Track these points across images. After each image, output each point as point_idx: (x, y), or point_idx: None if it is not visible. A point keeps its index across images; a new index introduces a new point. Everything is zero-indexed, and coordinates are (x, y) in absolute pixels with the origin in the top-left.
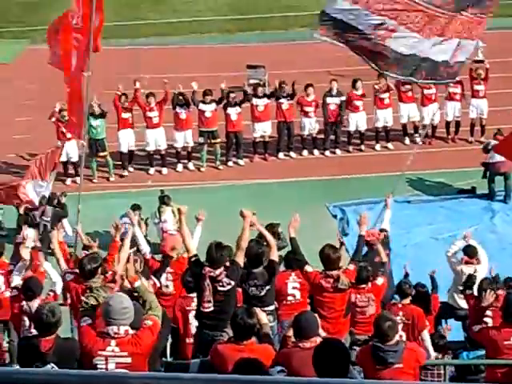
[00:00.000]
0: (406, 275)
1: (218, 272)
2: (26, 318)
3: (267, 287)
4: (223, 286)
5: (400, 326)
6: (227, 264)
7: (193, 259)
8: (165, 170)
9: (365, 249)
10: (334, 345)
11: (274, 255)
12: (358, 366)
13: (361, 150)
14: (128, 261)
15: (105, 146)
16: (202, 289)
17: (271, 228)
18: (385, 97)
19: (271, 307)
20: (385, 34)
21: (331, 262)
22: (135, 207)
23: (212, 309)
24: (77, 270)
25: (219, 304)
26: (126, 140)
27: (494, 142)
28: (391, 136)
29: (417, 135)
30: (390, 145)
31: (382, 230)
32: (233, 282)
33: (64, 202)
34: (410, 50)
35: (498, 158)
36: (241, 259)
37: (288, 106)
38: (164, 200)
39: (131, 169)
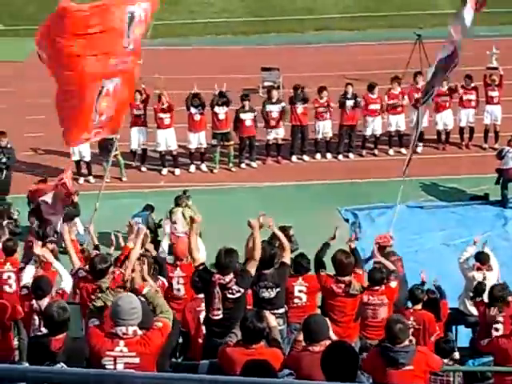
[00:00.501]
0: (423, 282)
1: (227, 279)
2: (35, 317)
3: (277, 289)
4: (233, 293)
5: (410, 331)
6: (237, 271)
7: (200, 267)
8: (177, 171)
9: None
10: (342, 348)
11: (287, 258)
12: (366, 372)
13: (374, 155)
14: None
15: (116, 146)
16: (211, 296)
17: (283, 231)
18: (397, 103)
19: (281, 310)
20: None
21: (343, 267)
22: (148, 207)
23: (221, 316)
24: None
25: (228, 311)
26: (137, 137)
27: (508, 149)
28: (404, 141)
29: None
30: (403, 150)
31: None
32: (242, 290)
33: (76, 201)
34: None
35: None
36: (253, 269)
37: (303, 109)
38: (177, 200)
39: (144, 169)
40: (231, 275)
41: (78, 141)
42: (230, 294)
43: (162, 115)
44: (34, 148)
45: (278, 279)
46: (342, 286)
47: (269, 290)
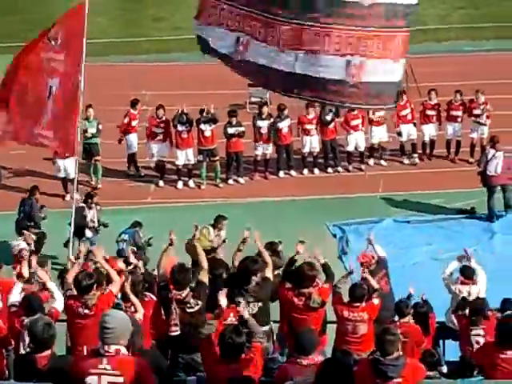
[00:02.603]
0: (410, 296)
1: (184, 294)
2: (26, 333)
3: (259, 304)
4: (191, 307)
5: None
6: (193, 285)
7: (161, 284)
8: (161, 183)
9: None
10: (338, 363)
11: (269, 273)
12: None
13: (361, 170)
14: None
15: (98, 151)
16: (169, 312)
17: (271, 246)
18: (380, 115)
19: (265, 327)
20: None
21: (305, 278)
22: (136, 224)
23: (179, 332)
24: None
25: (189, 325)
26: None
27: (493, 152)
28: (388, 155)
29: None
30: (382, 161)
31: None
32: (201, 302)
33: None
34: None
35: (493, 171)
36: (205, 278)
37: (287, 129)
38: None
39: (133, 184)
40: (187, 290)
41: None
42: (188, 308)
43: (155, 130)
44: (17, 165)
45: (259, 294)
46: (303, 298)
47: (250, 305)
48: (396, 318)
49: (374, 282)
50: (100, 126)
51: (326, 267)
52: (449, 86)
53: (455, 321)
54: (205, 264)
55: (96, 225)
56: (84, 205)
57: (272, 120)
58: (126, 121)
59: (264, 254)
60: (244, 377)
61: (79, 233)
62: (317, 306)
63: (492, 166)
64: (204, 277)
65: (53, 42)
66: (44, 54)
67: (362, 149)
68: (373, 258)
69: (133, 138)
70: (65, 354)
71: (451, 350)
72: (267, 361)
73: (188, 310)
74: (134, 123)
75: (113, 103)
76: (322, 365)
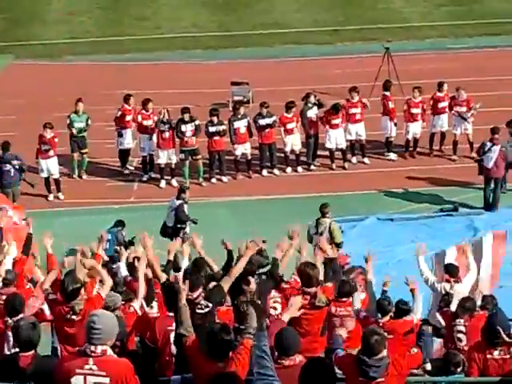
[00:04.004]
0: (384, 292)
1: (195, 295)
2: (10, 334)
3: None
4: (201, 308)
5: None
6: (210, 285)
7: (166, 284)
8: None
9: None
10: (320, 364)
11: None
12: (341, 371)
13: (344, 168)
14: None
15: (85, 144)
16: (177, 311)
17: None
18: (356, 112)
19: None
20: None
21: (309, 279)
22: (119, 223)
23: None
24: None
25: (197, 327)
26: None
27: (490, 144)
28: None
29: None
30: (366, 160)
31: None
32: (211, 305)
33: None
34: None
35: (488, 164)
36: (227, 286)
37: (269, 128)
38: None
39: (113, 182)
40: (199, 290)
41: None
42: (198, 309)
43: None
44: None
45: (257, 294)
46: (308, 297)
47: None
48: (379, 316)
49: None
50: (89, 121)
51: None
52: (432, 84)
53: (440, 318)
54: (235, 273)
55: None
56: (181, 201)
57: (250, 118)
58: (118, 114)
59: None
60: (229, 374)
61: (177, 230)
62: (322, 305)
63: (487, 159)
64: (226, 284)
65: None
66: None
67: (343, 146)
68: (347, 256)
69: (127, 133)
70: (50, 354)
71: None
72: None
73: (198, 311)
74: (128, 118)
75: (97, 103)
76: (306, 365)
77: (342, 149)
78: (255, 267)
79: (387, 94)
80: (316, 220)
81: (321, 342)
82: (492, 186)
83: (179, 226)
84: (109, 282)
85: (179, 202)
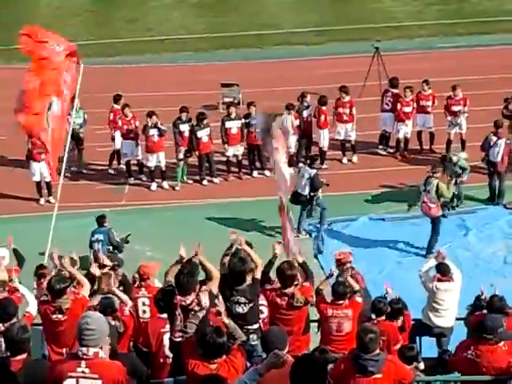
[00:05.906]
0: (386, 293)
1: (188, 301)
2: (2, 339)
3: (250, 305)
4: (196, 315)
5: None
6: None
7: (166, 288)
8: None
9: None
10: (311, 361)
11: (258, 274)
12: (332, 380)
13: (352, 162)
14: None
15: (83, 141)
16: (173, 317)
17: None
18: (346, 112)
19: (255, 326)
20: None
21: (286, 278)
22: (101, 219)
23: (181, 339)
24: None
25: (192, 334)
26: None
27: (495, 138)
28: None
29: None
30: (355, 157)
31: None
32: (205, 310)
33: None
34: None
35: (494, 158)
36: (214, 288)
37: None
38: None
39: (104, 185)
40: (192, 296)
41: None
42: (192, 315)
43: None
44: None
45: (250, 295)
46: (286, 298)
47: (241, 305)
48: (373, 316)
49: (354, 283)
50: (86, 116)
51: (304, 266)
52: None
53: (433, 319)
54: (216, 273)
55: None
56: (315, 170)
57: (243, 120)
58: (111, 117)
59: (253, 256)
60: (217, 377)
61: (312, 197)
62: (300, 305)
63: (493, 153)
64: (213, 286)
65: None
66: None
67: (352, 138)
68: (350, 254)
69: (118, 134)
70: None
71: (427, 347)
72: (256, 359)
73: (191, 320)
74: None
75: (87, 106)
76: (296, 362)
77: (350, 140)
78: (248, 266)
79: (395, 91)
80: (426, 178)
81: (303, 340)
82: (496, 179)
83: (313, 194)
84: (87, 282)
85: (313, 170)
